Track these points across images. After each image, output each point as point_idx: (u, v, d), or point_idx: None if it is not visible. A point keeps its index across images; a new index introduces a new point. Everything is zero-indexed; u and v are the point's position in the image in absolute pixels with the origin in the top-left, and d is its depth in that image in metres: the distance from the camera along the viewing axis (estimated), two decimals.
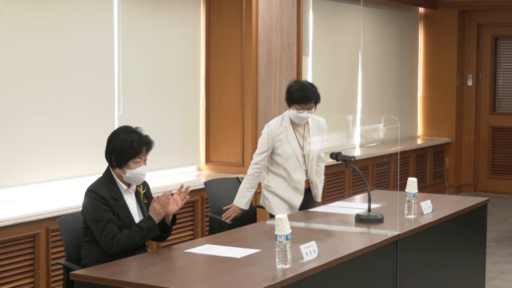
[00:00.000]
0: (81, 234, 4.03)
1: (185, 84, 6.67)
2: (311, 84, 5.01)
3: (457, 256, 5.08)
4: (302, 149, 5.07)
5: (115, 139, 3.96)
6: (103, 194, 3.90)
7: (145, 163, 4.00)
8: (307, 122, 5.08)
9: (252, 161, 5.10)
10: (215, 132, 6.81)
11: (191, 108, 6.75)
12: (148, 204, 4.11)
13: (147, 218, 3.93)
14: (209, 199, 5.35)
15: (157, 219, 3.92)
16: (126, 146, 3.92)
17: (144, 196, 4.12)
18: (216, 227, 5.15)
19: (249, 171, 5.09)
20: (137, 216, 4.02)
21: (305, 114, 4.94)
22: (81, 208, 3.98)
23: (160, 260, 3.76)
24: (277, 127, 5.02)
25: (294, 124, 5.04)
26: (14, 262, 4.86)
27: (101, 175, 4.04)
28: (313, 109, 4.98)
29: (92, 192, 3.91)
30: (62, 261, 4.08)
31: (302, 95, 4.90)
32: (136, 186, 4.08)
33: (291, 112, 4.97)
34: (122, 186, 4.00)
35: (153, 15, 6.34)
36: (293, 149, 5.03)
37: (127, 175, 3.96)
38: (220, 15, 6.70)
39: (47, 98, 5.47)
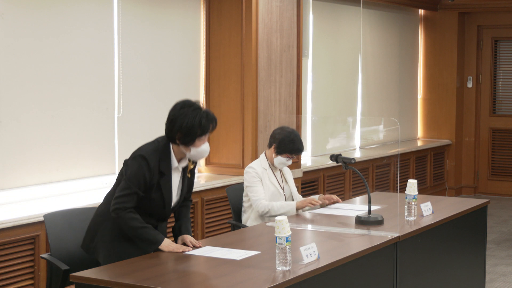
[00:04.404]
0: (66, 232, 4.04)
1: (185, 86, 6.67)
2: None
3: (457, 258, 5.08)
4: (283, 190, 5.22)
5: (181, 117, 3.87)
6: (153, 165, 3.84)
7: (208, 139, 3.96)
8: None
9: (256, 200, 5.04)
10: (215, 134, 6.80)
11: None
12: (190, 180, 4.09)
13: (159, 238, 3.88)
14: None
15: (160, 246, 3.90)
16: (195, 124, 3.86)
17: (190, 171, 4.07)
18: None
19: (263, 207, 5.03)
20: (175, 192, 4.00)
21: (290, 161, 5.15)
22: (122, 166, 3.95)
23: (160, 262, 3.76)
24: (260, 168, 5.13)
25: (272, 167, 5.19)
26: (14, 264, 4.86)
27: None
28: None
29: (144, 160, 3.84)
30: (45, 255, 4.10)
31: (300, 148, 5.08)
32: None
33: (279, 159, 5.10)
34: (174, 162, 3.95)
35: (153, 16, 6.33)
36: (276, 189, 5.16)
37: (191, 152, 3.91)
38: (220, 17, 6.70)
39: (47, 99, 5.47)
